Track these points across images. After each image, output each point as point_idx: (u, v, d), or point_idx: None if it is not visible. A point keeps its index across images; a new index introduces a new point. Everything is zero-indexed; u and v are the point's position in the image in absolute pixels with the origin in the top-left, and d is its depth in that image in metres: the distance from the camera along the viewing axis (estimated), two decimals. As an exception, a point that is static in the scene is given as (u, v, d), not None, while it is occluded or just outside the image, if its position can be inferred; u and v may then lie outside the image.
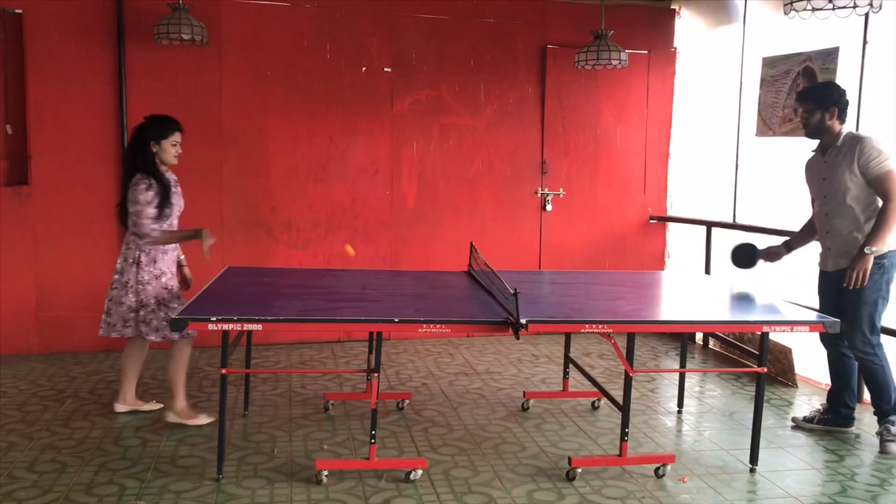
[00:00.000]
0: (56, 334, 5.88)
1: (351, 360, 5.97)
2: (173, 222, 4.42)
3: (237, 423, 4.47)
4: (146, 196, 4.22)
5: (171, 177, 4.45)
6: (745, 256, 4.74)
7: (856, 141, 4.17)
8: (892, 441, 4.19)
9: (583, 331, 3.67)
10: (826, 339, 4.44)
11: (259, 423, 4.51)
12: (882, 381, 4.23)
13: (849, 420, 4.47)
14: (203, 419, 4.43)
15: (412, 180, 6.51)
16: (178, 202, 4.44)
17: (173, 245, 4.44)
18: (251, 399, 4.80)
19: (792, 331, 3.82)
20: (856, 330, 4.20)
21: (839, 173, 4.21)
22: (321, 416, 4.65)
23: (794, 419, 4.65)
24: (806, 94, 4.40)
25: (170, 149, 4.33)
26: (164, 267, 4.36)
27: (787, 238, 4.79)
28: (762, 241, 4.94)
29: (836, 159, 4.24)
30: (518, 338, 3.54)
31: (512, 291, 3.52)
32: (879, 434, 4.25)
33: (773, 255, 4.70)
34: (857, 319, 4.18)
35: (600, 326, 3.63)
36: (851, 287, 4.12)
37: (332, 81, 6.24)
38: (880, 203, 4.13)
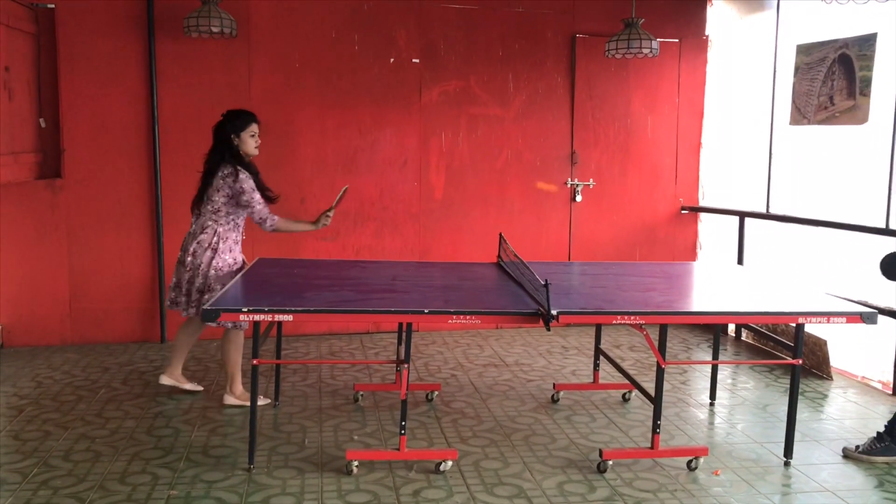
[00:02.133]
0: (89, 326, 5.96)
1: (380, 351, 5.98)
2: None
3: (268, 414, 4.50)
4: (250, 183, 4.43)
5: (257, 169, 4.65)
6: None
7: None
8: (878, 454, 3.93)
9: (614, 322, 3.63)
10: None
11: (289, 413, 4.53)
12: None
13: None
14: (261, 399, 4.59)
15: (440, 171, 6.49)
16: None
17: (243, 236, 4.63)
18: (281, 390, 4.83)
19: (828, 322, 3.75)
20: None
21: None
22: (351, 406, 4.66)
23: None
24: None
25: (249, 140, 4.51)
26: (237, 256, 4.56)
27: None
28: (799, 232, 4.85)
29: None
30: (549, 329, 3.52)
31: (542, 282, 3.49)
32: (875, 440, 3.98)
33: None
34: None
35: (632, 318, 3.59)
36: None
37: (360, 73, 6.23)
38: None
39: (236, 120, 4.49)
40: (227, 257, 4.48)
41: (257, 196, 4.44)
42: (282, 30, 6.07)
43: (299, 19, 6.09)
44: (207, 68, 5.95)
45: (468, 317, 3.54)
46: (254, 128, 4.53)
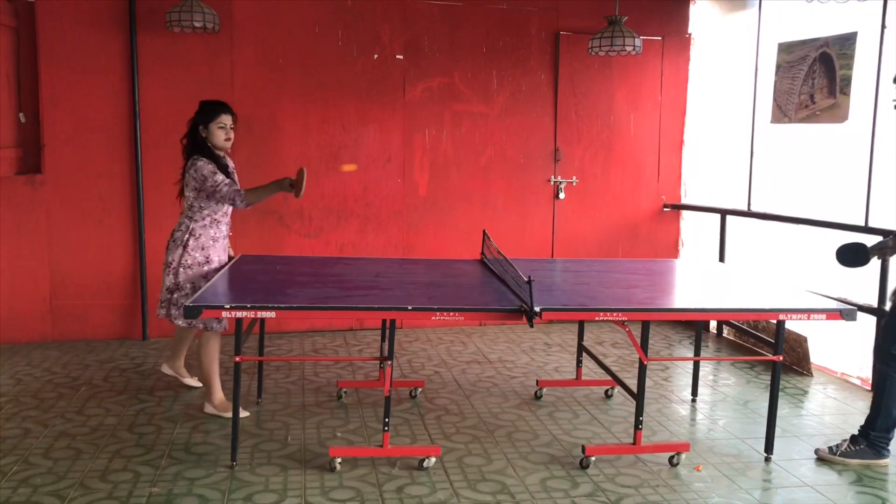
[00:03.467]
0: (70, 322, 5.91)
1: (363, 348, 5.97)
2: (228, 210, 4.43)
3: (250, 411, 4.48)
4: (210, 167, 4.22)
5: (229, 162, 4.47)
6: (852, 255, 4.07)
7: None
8: (853, 456, 3.93)
9: (597, 319, 3.64)
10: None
11: (272, 410, 4.51)
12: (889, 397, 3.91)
13: None
14: (241, 412, 4.37)
15: (424, 168, 6.48)
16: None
17: (224, 234, 4.44)
18: (264, 387, 4.81)
19: (809, 319, 3.79)
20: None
21: None
22: (334, 403, 4.65)
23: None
24: None
25: (217, 132, 4.31)
26: (211, 255, 4.35)
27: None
28: (779, 230, 4.89)
29: None
30: (532, 326, 3.52)
31: (526, 279, 3.49)
32: (850, 442, 3.97)
33: (886, 250, 4.04)
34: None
35: (615, 314, 3.60)
36: None
37: (344, 69, 6.22)
38: None
39: (205, 110, 4.33)
40: (197, 255, 4.29)
41: (220, 177, 4.20)
42: (265, 25, 6.04)
43: (282, 14, 6.06)
44: (190, 63, 5.91)
45: (451, 313, 3.54)
46: (223, 119, 4.32)
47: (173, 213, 4.81)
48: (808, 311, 3.76)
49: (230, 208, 4.43)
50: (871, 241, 4.05)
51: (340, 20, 6.16)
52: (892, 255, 4.11)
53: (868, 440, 3.93)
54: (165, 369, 4.81)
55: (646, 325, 3.85)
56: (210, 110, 4.33)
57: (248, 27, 6.00)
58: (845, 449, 3.95)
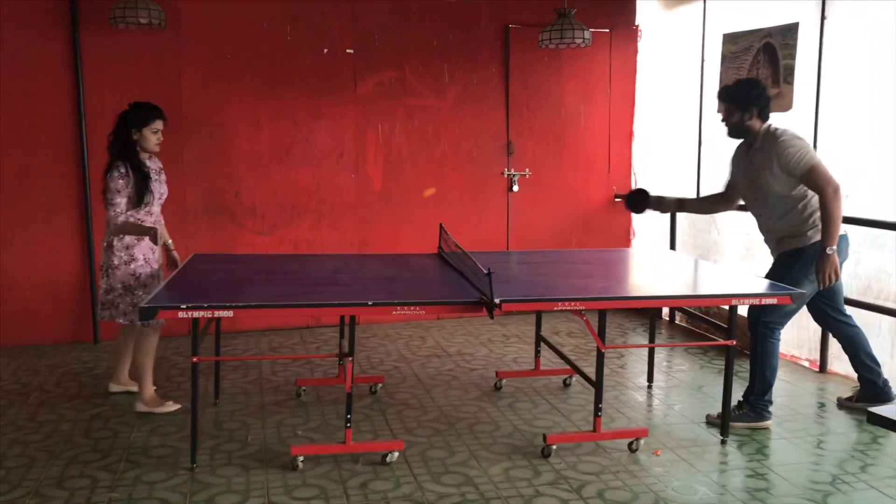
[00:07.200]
0: (18, 328, 5.75)
1: (321, 345, 5.93)
2: (153, 210, 4.40)
3: (209, 412, 4.42)
4: (117, 184, 4.22)
5: (155, 164, 4.46)
6: (637, 201, 4.77)
7: (772, 141, 4.05)
8: (737, 420, 4.20)
9: (556, 309, 3.68)
10: (818, 316, 4.45)
11: (231, 411, 4.46)
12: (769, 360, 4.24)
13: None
14: (171, 406, 4.40)
15: (378, 163, 6.46)
16: (158, 189, 4.41)
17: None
18: (222, 387, 4.74)
19: (760, 303, 3.89)
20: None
21: (763, 177, 4.10)
22: (293, 402, 4.62)
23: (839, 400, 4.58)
24: (724, 94, 4.25)
25: (150, 136, 4.32)
26: (137, 253, 4.32)
27: (684, 198, 4.98)
28: (729, 217, 4.99)
29: (758, 161, 4.13)
30: (492, 317, 3.55)
31: (485, 271, 3.51)
32: (735, 408, 4.24)
33: (663, 205, 4.79)
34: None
35: (573, 304, 3.64)
36: (823, 288, 4.04)
37: (293, 64, 6.15)
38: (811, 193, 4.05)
39: (140, 114, 4.29)
40: (122, 255, 4.27)
41: (118, 200, 4.20)
42: (212, 20, 5.94)
43: (229, 9, 5.97)
44: (136, 61, 5.79)
45: (412, 308, 3.54)
46: (157, 124, 4.32)
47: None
48: (760, 296, 3.86)
49: (153, 207, 4.39)
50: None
51: (289, 15, 6.10)
52: (665, 211, 5.04)
53: (750, 404, 4.24)
54: (113, 388, 4.71)
55: (603, 314, 3.90)
56: (146, 115, 4.31)
57: (195, 23, 5.90)
58: (730, 413, 4.16)
